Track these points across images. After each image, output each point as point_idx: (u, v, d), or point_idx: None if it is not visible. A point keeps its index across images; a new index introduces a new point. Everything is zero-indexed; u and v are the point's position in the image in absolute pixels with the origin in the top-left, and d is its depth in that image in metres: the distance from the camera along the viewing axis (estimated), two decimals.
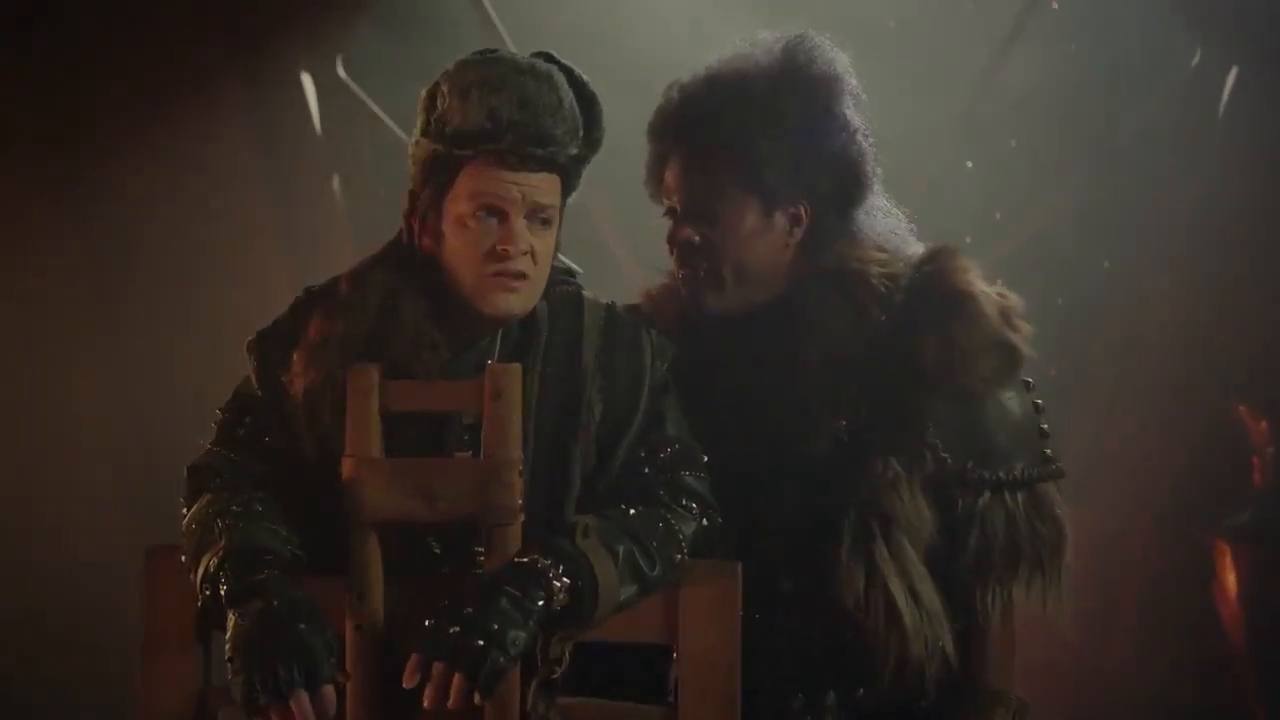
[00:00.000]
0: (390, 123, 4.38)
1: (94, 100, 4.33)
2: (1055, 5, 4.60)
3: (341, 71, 4.50)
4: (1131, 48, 4.48)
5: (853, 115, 2.56)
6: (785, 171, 2.50)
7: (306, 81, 4.48)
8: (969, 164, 4.64)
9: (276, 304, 2.42)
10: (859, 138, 2.56)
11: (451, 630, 2.13)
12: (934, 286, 2.51)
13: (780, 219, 2.53)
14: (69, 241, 4.37)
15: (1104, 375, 4.61)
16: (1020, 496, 2.49)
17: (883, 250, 2.56)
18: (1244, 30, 4.47)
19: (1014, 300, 2.54)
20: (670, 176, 2.57)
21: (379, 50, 4.43)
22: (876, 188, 2.60)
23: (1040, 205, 4.62)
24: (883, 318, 2.50)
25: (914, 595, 2.43)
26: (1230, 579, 4.44)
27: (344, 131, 4.49)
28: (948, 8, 4.61)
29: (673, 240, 2.58)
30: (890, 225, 2.61)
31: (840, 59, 2.57)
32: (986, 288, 2.53)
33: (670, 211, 2.59)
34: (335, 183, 4.51)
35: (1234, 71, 4.50)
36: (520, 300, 2.32)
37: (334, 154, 4.51)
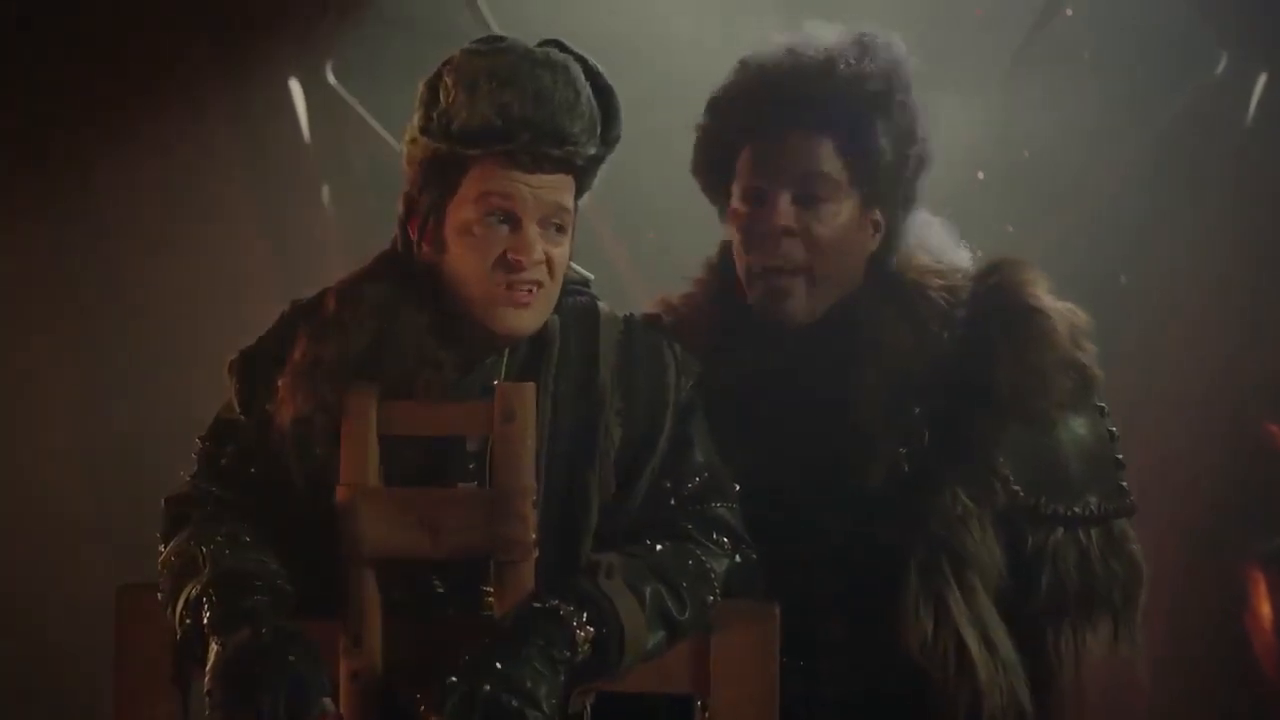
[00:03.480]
0: (382, 130, 4.27)
1: (72, 109, 4.21)
2: (1069, 12, 4.48)
3: (331, 77, 4.39)
4: (1152, 54, 4.39)
5: (922, 127, 2.38)
6: (886, 169, 2.33)
7: (295, 87, 4.36)
8: (980, 175, 4.52)
9: (264, 320, 2.29)
10: (928, 146, 2.38)
11: (485, 688, 1.97)
12: (1001, 301, 2.33)
13: (867, 221, 2.37)
14: (44, 254, 4.25)
15: (1124, 393, 4.46)
16: (1094, 533, 2.33)
17: (937, 260, 2.39)
18: (1273, 34, 4.34)
19: (1083, 317, 2.37)
20: (754, 157, 2.36)
21: (370, 55, 4.31)
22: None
23: (1054, 218, 4.50)
24: (945, 334, 2.32)
25: (988, 643, 2.25)
26: (1264, 607, 4.32)
27: (334, 140, 4.39)
28: (956, 16, 4.49)
29: (763, 228, 2.35)
30: (932, 229, 2.44)
31: (910, 60, 2.38)
32: (1056, 303, 2.35)
33: (754, 195, 2.37)
34: (325, 193, 4.40)
35: (1263, 78, 4.35)
36: (533, 316, 2.17)
37: (324, 163, 4.40)
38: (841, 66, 2.33)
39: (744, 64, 2.39)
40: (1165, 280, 4.36)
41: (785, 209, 2.33)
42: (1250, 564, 4.29)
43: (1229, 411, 4.30)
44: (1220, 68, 4.35)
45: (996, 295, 2.34)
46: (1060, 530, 2.31)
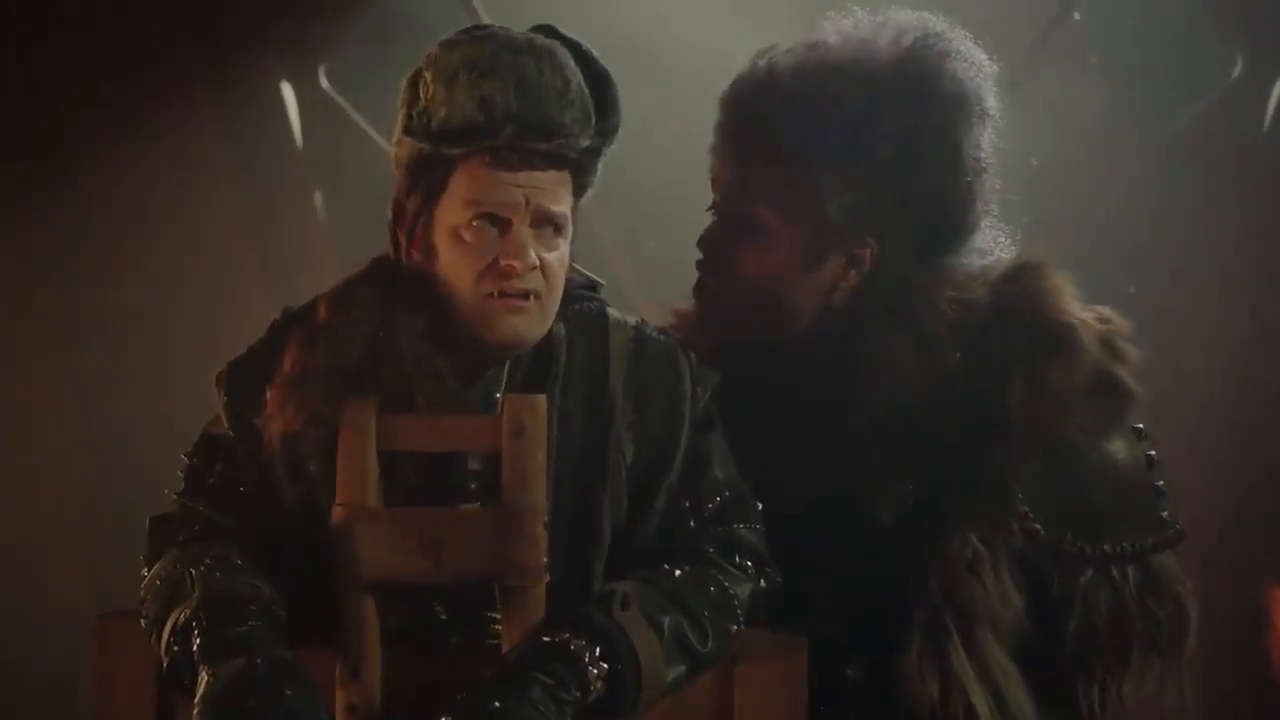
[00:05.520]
0: (376, 136, 4.18)
1: (59, 110, 4.14)
2: (1077, 16, 4.40)
3: (324, 81, 4.32)
4: (1164, 59, 4.33)
5: (973, 147, 2.19)
6: (857, 209, 2.16)
7: (287, 92, 4.30)
8: None
9: (255, 330, 2.21)
10: (971, 176, 2.19)
11: None
12: (1019, 314, 2.16)
13: (835, 261, 2.20)
14: (28, 261, 4.16)
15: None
16: (1130, 572, 2.17)
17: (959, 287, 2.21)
18: None
19: (1118, 323, 2.20)
20: (721, 166, 2.24)
21: (364, 59, 4.23)
22: (984, 223, 2.24)
23: (1062, 226, 4.43)
24: (957, 353, 2.15)
25: (1000, 702, 2.11)
26: None
27: (327, 145, 4.31)
28: (960, 21, 4.41)
29: (702, 242, 2.26)
30: (990, 267, 2.25)
31: (980, 73, 2.20)
32: (1084, 312, 2.18)
33: (713, 207, 2.27)
34: (317, 199, 4.34)
35: None
36: (529, 323, 2.05)
37: (316, 169, 4.33)
38: (837, 80, 2.18)
39: (759, 54, 2.25)
40: (1176, 289, 4.28)
41: (718, 232, 2.23)
42: (1268, 579, 4.20)
43: (1242, 423, 4.23)
44: (1236, 72, 4.28)
45: (1015, 307, 2.17)
46: (1090, 571, 2.15)
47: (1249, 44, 4.23)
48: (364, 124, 4.20)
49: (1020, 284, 2.19)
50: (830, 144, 2.14)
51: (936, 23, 2.21)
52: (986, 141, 2.21)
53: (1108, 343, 2.17)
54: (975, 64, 2.21)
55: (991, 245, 2.24)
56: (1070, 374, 2.12)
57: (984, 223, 2.23)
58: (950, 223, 2.19)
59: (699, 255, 2.28)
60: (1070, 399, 2.12)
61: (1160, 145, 4.25)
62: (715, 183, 2.25)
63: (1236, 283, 4.23)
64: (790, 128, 2.16)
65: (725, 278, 2.24)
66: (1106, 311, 2.21)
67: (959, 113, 2.18)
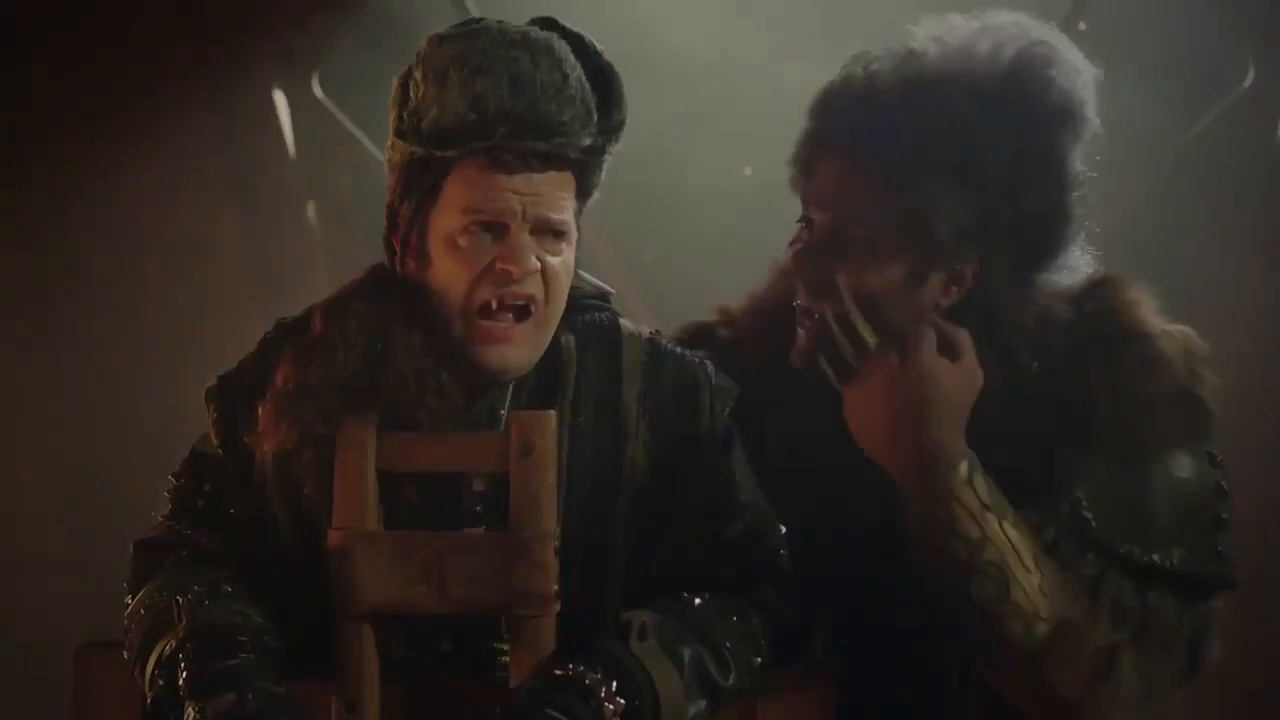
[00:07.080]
0: (370, 145, 4.18)
1: (50, 119, 4.13)
2: (1082, 26, 4.36)
3: (317, 89, 4.31)
4: (1173, 69, 4.29)
5: (1075, 162, 2.09)
6: (964, 226, 2.06)
7: (279, 100, 4.29)
8: None
9: (246, 344, 2.17)
10: (1074, 193, 2.09)
11: None
12: (1101, 327, 2.08)
13: (937, 280, 2.10)
14: (18, 273, 4.16)
15: None
16: (1169, 594, 2.07)
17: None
18: None
19: (1199, 343, 2.11)
20: (821, 180, 2.12)
21: (358, 67, 4.21)
22: (1078, 241, 2.14)
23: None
24: (1035, 365, 2.07)
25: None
26: None
27: (320, 154, 4.31)
28: None
29: (802, 265, 2.14)
30: (1072, 283, 2.16)
31: (1081, 79, 2.08)
32: (1167, 325, 2.11)
33: (804, 221, 2.15)
34: (310, 210, 4.33)
35: None
36: (518, 351, 1.98)
37: (309, 178, 4.32)
38: (941, 91, 2.07)
39: (853, 61, 2.14)
40: (1185, 301, 4.24)
41: (816, 254, 2.11)
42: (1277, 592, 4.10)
43: (1252, 434, 4.03)
44: (1248, 82, 4.23)
45: (1096, 321, 2.09)
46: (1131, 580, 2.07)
47: (1259, 52, 4.21)
48: (358, 132, 4.20)
49: (1101, 297, 2.12)
50: (939, 160, 2.05)
51: (1036, 28, 2.11)
52: (1084, 153, 2.13)
53: (1190, 361, 2.10)
54: (1078, 70, 2.10)
55: (1079, 262, 2.16)
56: (1152, 381, 2.06)
57: (1080, 238, 2.15)
58: (1051, 240, 2.11)
59: (802, 281, 2.15)
60: (1152, 406, 2.05)
61: (1169, 155, 4.23)
62: (812, 197, 2.14)
63: (1247, 294, 4.19)
64: (895, 142, 2.06)
65: (824, 298, 2.13)
66: (1188, 330, 2.14)
67: (1067, 126, 2.08)
